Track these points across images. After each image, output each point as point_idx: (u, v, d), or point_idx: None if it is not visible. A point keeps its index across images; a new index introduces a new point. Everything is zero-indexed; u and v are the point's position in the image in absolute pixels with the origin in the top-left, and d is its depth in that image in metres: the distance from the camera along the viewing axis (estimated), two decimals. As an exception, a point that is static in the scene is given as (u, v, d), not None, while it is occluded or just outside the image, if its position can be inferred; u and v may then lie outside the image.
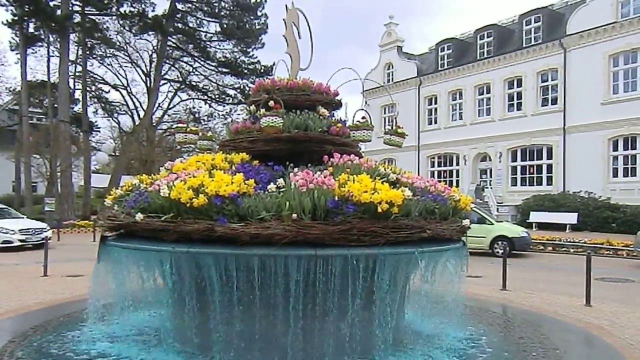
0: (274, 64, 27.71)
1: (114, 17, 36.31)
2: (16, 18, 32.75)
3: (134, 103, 42.53)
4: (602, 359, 5.47)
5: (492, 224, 16.99)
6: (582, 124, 26.68)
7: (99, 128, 43.76)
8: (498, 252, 15.88)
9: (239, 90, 41.23)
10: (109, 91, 42.65)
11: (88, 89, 38.25)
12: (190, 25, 38.49)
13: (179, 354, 4.72)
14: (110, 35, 37.55)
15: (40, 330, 5.88)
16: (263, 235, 4.04)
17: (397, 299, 4.96)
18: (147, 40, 38.79)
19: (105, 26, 37.10)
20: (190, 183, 4.30)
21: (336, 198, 4.20)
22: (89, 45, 36.45)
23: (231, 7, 37.56)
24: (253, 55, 39.68)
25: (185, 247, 4.23)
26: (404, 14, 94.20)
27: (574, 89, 27.29)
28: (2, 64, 41.21)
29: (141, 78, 41.37)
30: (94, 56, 38.59)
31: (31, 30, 34.51)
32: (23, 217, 20.32)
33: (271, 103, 5.44)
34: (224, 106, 43.79)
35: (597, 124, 26.06)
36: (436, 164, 35.71)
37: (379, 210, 4.19)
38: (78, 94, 37.67)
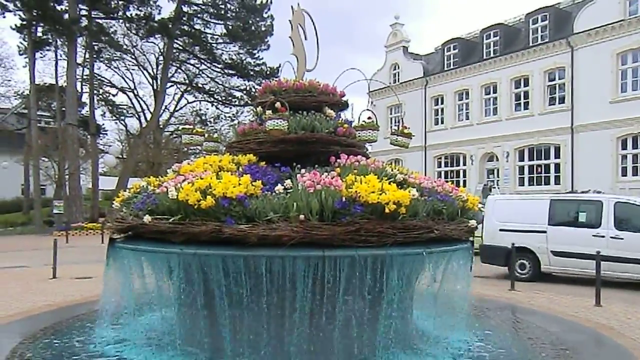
0: (280, 66, 27.74)
1: (120, 21, 36.54)
2: (24, 22, 33.08)
3: (140, 106, 42.79)
4: (612, 360, 5.42)
5: (500, 224, 16.90)
6: (590, 123, 26.49)
7: (107, 131, 44.08)
8: (506, 252, 15.80)
9: (245, 92, 41.33)
10: (116, 94, 42.95)
11: (95, 92, 38.51)
12: (197, 27, 38.62)
13: (188, 357, 4.73)
14: (117, 38, 37.78)
15: (50, 332, 5.91)
16: (271, 237, 4.04)
17: (405, 299, 4.94)
18: (154, 43, 39.01)
19: (112, 29, 37.39)
20: (197, 185, 4.32)
21: (344, 199, 4.19)
22: (96, 49, 36.69)
23: (237, 9, 37.66)
24: (259, 57, 39.78)
25: (193, 249, 4.24)
26: (391, 13, 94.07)
27: (581, 87, 27.11)
28: (11, 68, 41.68)
29: (148, 81, 41.61)
30: (101, 59, 38.84)
31: (39, 34, 34.82)
32: None
33: (277, 105, 5.44)
34: (230, 108, 43.95)
35: (605, 123, 25.86)
36: (443, 164, 35.58)
37: (387, 210, 4.18)
38: (85, 97, 37.97)
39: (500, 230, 11.74)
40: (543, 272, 11.29)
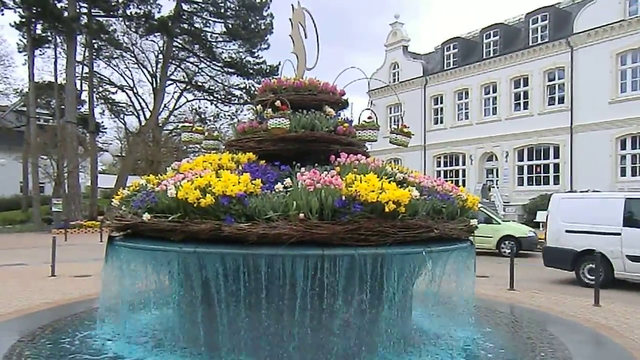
0: (279, 64, 27.69)
1: (120, 19, 36.48)
2: (24, 20, 33.02)
3: (140, 104, 42.73)
4: (611, 360, 5.42)
5: (499, 223, 16.94)
6: (590, 123, 26.53)
7: (106, 129, 43.98)
8: (505, 251, 15.84)
9: (245, 91, 41.31)
10: (115, 92, 42.90)
11: (95, 90, 38.45)
12: (196, 25, 38.60)
13: (187, 355, 4.73)
14: (116, 36, 37.75)
15: (49, 330, 5.90)
16: (270, 235, 4.04)
17: (405, 298, 4.94)
18: (153, 41, 38.98)
19: (111, 28, 37.33)
20: (197, 183, 4.31)
21: (343, 198, 4.19)
22: (95, 47, 36.65)
23: (237, 7, 37.64)
24: (259, 55, 39.79)
25: (192, 247, 4.23)
26: (386, 12, 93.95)
27: (581, 87, 27.14)
28: (10, 66, 41.58)
29: (147, 79, 41.54)
30: (101, 57, 38.79)
31: (39, 32, 34.76)
32: None
33: (278, 103, 5.43)
34: (230, 106, 43.90)
35: (604, 123, 25.90)
36: (442, 164, 35.61)
37: (386, 209, 4.18)
38: (85, 95, 37.92)
39: (567, 231, 10.87)
40: (616, 279, 10.25)
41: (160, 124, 42.38)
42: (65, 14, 31.59)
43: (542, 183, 29.32)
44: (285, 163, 5.25)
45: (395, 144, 6.18)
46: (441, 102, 35.45)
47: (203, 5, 37.62)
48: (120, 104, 43.62)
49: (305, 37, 6.43)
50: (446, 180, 5.62)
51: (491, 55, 32.11)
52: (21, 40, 35.55)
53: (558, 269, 11.38)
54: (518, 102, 30.81)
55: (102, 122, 42.23)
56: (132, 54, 39.75)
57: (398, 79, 37.99)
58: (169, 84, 41.18)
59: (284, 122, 5.28)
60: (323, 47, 6.36)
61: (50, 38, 35.13)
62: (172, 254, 4.41)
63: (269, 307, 4.33)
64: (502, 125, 31.01)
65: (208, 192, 4.20)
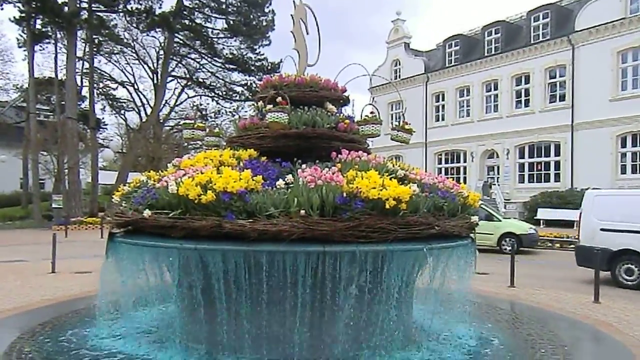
0: (281, 61, 27.65)
1: (121, 14, 36.40)
2: (24, 15, 32.93)
3: (140, 100, 42.66)
4: (611, 357, 5.42)
5: (500, 220, 16.94)
6: (590, 121, 26.52)
7: (106, 125, 43.95)
8: (506, 248, 15.85)
9: (246, 87, 41.27)
10: (116, 88, 42.83)
11: (95, 85, 38.39)
12: (197, 21, 38.54)
13: (187, 352, 4.73)
14: (117, 31, 37.65)
15: (49, 327, 5.90)
16: (271, 232, 4.03)
17: (405, 295, 4.94)
18: (154, 37, 38.87)
19: (112, 23, 37.23)
20: (198, 179, 4.30)
21: (344, 194, 4.18)
22: (96, 42, 36.55)
23: (238, 4, 37.60)
24: (260, 52, 39.76)
25: (193, 244, 4.23)
26: (384, 10, 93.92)
27: (582, 85, 27.11)
28: (10, 61, 41.49)
29: (148, 75, 41.46)
30: (101, 53, 38.72)
31: (39, 27, 34.67)
32: None
33: (278, 99, 5.42)
34: (231, 103, 43.87)
35: (605, 121, 25.89)
36: (443, 161, 35.61)
37: (387, 206, 4.17)
38: (85, 91, 37.88)
39: (602, 229, 10.37)
40: None
41: (161, 120, 42.36)
42: (66, 9, 31.50)
43: (542, 180, 29.33)
44: (286, 159, 5.25)
45: (397, 141, 6.16)
46: (442, 99, 35.42)
47: (204, 1, 37.56)
48: (121, 100, 43.59)
49: (307, 34, 6.41)
50: (447, 178, 5.61)
51: (493, 52, 32.07)
52: (21, 36, 35.50)
53: (590, 269, 10.50)
54: (519, 99, 30.80)
55: (103, 118, 42.25)
56: (133, 50, 39.69)
57: (399, 76, 37.96)
58: (170, 80, 41.16)
59: (282, 116, 5.26)
60: (324, 43, 6.33)
61: (50, 33, 35.04)
62: (173, 251, 4.40)
63: (270, 303, 4.33)
64: (503, 123, 31.00)
65: (209, 189, 4.20)
